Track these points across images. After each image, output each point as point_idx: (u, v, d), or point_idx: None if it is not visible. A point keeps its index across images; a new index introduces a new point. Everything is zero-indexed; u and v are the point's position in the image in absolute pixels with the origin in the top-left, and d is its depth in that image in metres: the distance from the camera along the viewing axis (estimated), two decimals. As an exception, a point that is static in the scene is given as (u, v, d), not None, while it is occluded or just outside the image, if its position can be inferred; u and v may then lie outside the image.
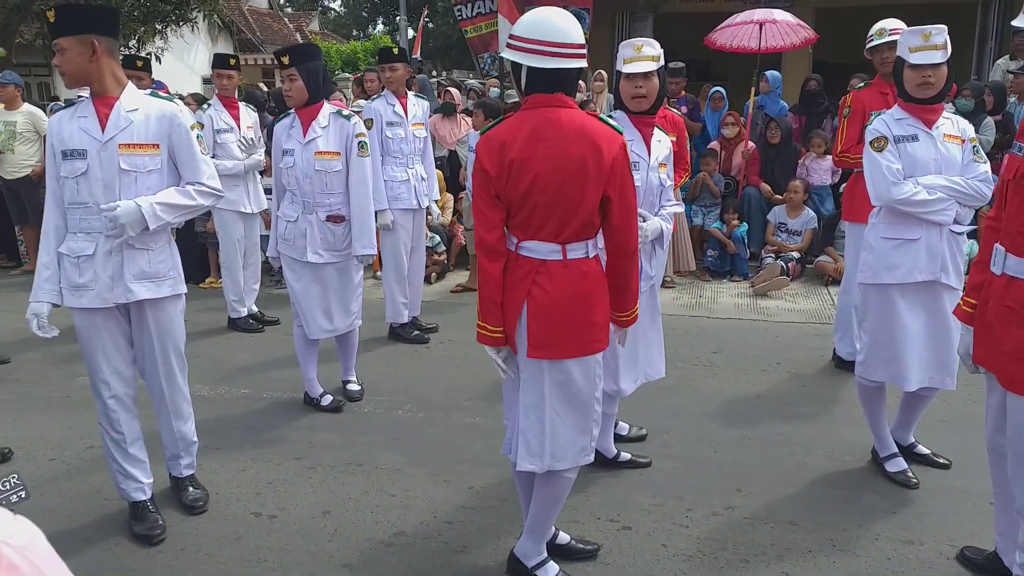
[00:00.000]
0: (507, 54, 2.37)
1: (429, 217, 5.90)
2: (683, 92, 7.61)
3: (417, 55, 13.48)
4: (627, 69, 3.06)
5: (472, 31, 11.20)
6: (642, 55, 3.08)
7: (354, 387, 4.41)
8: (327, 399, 4.23)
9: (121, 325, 2.97)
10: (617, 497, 3.27)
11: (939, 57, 3.11)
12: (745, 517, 3.14)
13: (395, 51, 5.28)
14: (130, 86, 2.87)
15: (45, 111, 7.24)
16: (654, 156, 3.15)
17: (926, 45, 3.12)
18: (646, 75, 3.06)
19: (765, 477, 3.45)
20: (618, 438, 3.67)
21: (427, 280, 6.31)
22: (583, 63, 2.36)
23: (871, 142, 3.25)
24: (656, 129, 3.21)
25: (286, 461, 3.62)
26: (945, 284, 3.21)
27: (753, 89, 7.62)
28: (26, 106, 7.17)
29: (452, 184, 7.53)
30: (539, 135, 2.30)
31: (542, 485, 2.55)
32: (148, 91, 2.99)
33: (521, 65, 2.34)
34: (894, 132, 3.22)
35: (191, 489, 3.24)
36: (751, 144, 7.31)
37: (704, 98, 8.31)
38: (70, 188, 2.79)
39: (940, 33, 3.12)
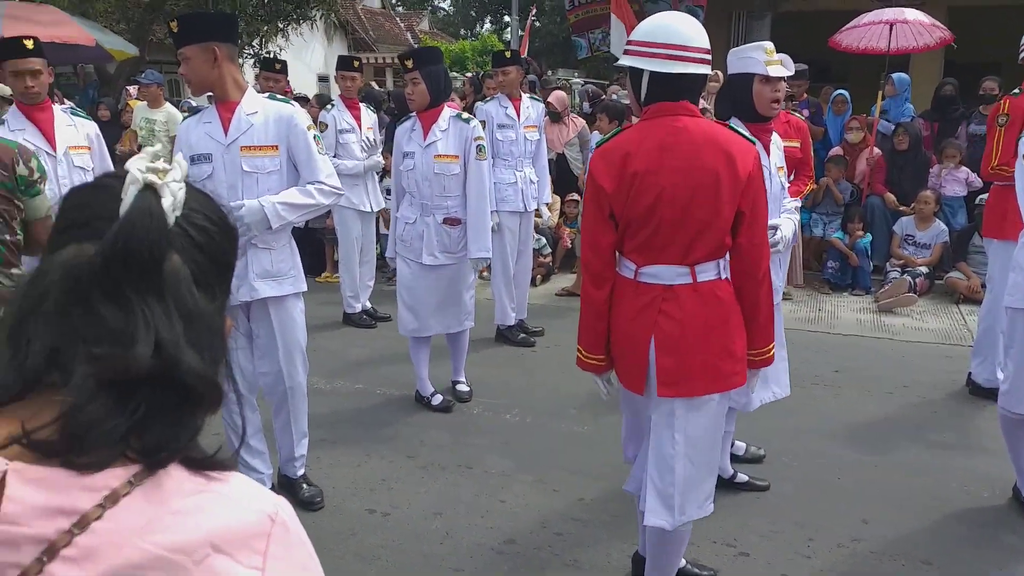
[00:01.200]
0: (626, 59, 2.25)
1: (538, 219, 5.89)
2: (805, 95, 7.31)
3: (524, 54, 13.50)
4: (773, 72, 2.93)
5: (582, 14, 11.06)
6: (775, 58, 2.96)
7: (463, 388, 4.45)
8: (437, 398, 4.28)
9: (242, 322, 3.07)
10: (734, 520, 3.16)
11: None
12: (872, 551, 2.97)
13: (508, 54, 5.29)
14: (250, 90, 2.96)
15: (178, 107, 7.64)
16: (773, 161, 3.03)
17: None
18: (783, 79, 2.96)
19: (894, 508, 3.25)
20: (734, 458, 3.55)
21: (532, 282, 6.31)
22: (708, 68, 2.22)
23: None
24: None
25: (399, 459, 3.68)
26: None
27: (880, 93, 7.23)
28: (167, 106, 7.58)
29: (559, 186, 7.49)
30: (666, 145, 2.15)
31: (657, 537, 2.40)
32: (267, 94, 3.08)
33: (642, 71, 2.21)
34: None
35: (306, 487, 3.31)
36: (876, 150, 6.95)
37: (825, 101, 7.96)
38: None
39: None
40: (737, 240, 2.22)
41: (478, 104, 5.64)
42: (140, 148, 7.43)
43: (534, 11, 16.55)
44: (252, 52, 14.23)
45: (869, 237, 6.63)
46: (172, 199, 0.76)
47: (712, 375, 2.22)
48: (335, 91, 5.80)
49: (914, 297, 6.12)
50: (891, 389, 4.56)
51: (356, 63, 5.78)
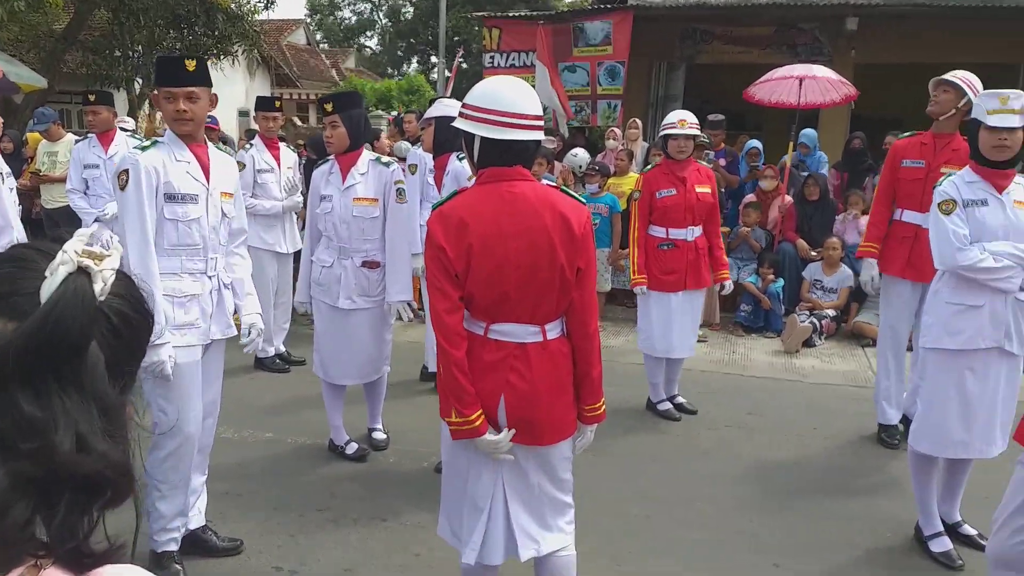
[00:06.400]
0: (459, 123, 2.27)
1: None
2: (722, 144, 7.58)
3: (449, 94, 13.63)
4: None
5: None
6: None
7: (380, 435, 4.34)
8: (352, 447, 4.16)
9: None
10: (648, 567, 3.16)
11: (1017, 121, 3.06)
12: (784, 597, 3.01)
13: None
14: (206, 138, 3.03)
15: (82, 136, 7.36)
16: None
17: (1004, 108, 3.06)
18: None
19: (804, 552, 3.31)
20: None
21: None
22: (540, 135, 2.27)
23: (939, 204, 3.18)
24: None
25: (309, 512, 3.54)
26: (1008, 352, 3.12)
27: (791, 144, 7.57)
28: (68, 136, 7.28)
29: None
30: (504, 210, 2.19)
31: (550, 573, 2.45)
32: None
33: (474, 136, 2.23)
34: (964, 196, 3.15)
35: (216, 537, 3.20)
36: (788, 198, 7.24)
37: (740, 150, 8.28)
38: (181, 231, 2.87)
39: (1018, 98, 3.06)
40: (571, 296, 2.28)
41: (412, 148, 5.63)
42: (40, 176, 7.13)
43: (461, 52, 16.76)
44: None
45: (781, 282, 6.87)
46: (103, 285, 0.74)
47: (559, 427, 2.32)
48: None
49: (808, 328, 6.36)
50: (801, 432, 4.68)
51: (278, 103, 5.70)
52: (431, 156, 5.11)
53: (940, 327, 3.20)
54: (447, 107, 4.45)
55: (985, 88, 3.32)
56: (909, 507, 3.46)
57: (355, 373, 4.10)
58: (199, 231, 2.88)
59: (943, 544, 3.31)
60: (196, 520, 3.16)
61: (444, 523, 2.51)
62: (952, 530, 3.40)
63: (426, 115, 4.89)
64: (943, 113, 4.10)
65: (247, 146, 5.64)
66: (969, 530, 3.41)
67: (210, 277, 2.96)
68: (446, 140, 4.37)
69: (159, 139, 2.94)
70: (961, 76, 4.03)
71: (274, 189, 5.49)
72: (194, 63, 2.81)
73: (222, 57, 14.29)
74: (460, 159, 4.49)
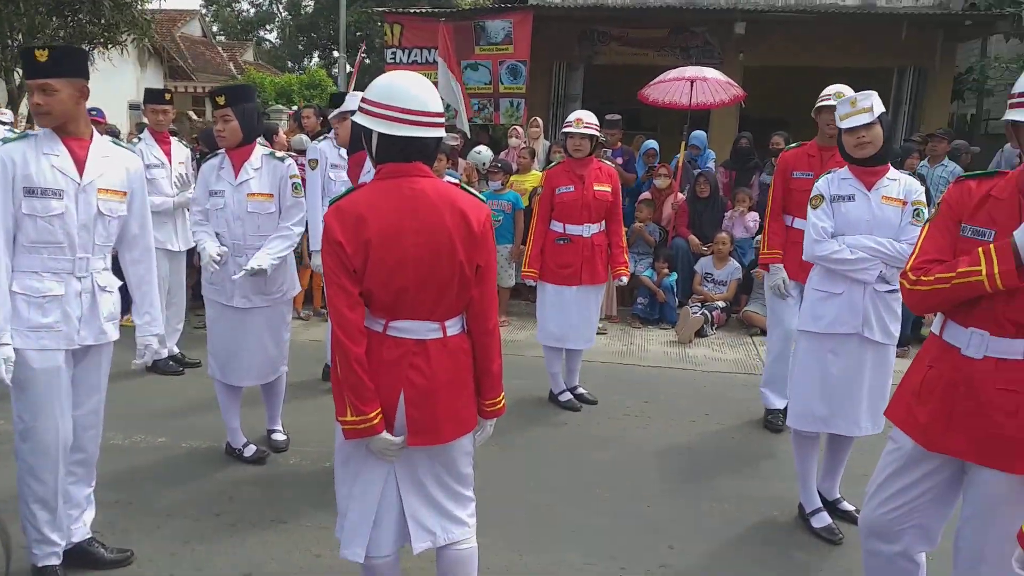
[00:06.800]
0: (359, 118, 2.24)
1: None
2: (619, 143, 7.77)
3: (351, 90, 13.41)
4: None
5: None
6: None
7: (279, 437, 4.25)
8: (250, 450, 4.06)
9: (71, 369, 2.84)
10: (550, 556, 3.23)
11: (867, 118, 3.25)
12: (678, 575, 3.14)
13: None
14: (95, 132, 2.87)
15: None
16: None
17: (854, 111, 3.27)
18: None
19: (697, 533, 3.46)
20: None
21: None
22: (440, 132, 2.25)
23: (810, 199, 3.42)
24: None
25: (205, 517, 3.44)
26: (870, 339, 3.33)
27: (683, 143, 7.85)
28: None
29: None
30: (404, 207, 2.17)
31: (451, 565, 2.46)
32: (109, 138, 2.99)
33: (372, 131, 2.21)
34: (832, 191, 3.38)
35: (103, 548, 3.06)
36: (681, 196, 7.51)
37: (637, 149, 8.52)
38: (41, 227, 2.68)
39: (866, 98, 3.27)
40: (471, 293, 2.30)
41: (303, 137, 5.53)
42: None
43: (363, 48, 16.49)
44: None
45: (675, 275, 7.13)
46: None
47: (459, 421, 2.33)
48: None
49: (700, 319, 6.65)
50: (694, 418, 4.88)
51: (168, 96, 5.49)
52: (337, 151, 5.05)
53: (808, 311, 3.46)
54: None
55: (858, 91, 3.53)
56: (793, 487, 3.66)
57: (253, 374, 4.00)
58: (63, 228, 2.70)
59: (823, 520, 3.52)
60: (80, 532, 3.01)
61: (342, 524, 2.49)
62: (832, 506, 3.63)
63: (341, 108, 4.80)
64: None
65: (135, 140, 5.41)
66: (848, 506, 3.64)
67: (80, 278, 2.77)
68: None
69: (31, 131, 2.80)
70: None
71: (164, 185, 5.29)
72: (45, 53, 2.64)
73: (110, 47, 13.62)
74: None
